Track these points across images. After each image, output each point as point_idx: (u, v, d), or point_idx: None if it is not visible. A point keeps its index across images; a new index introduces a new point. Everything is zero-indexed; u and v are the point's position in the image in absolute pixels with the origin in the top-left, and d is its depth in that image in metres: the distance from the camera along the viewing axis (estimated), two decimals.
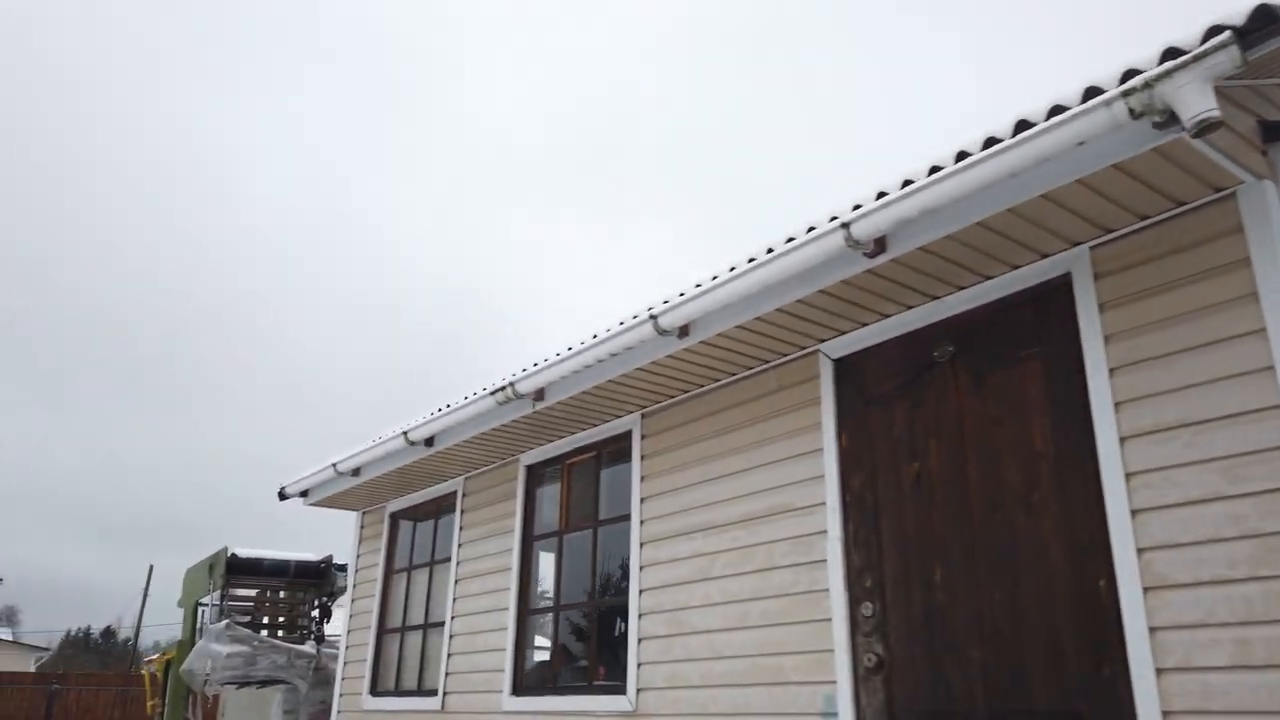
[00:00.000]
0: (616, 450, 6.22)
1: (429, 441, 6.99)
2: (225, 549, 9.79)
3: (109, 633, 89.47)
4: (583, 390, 5.64)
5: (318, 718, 10.26)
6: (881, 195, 3.76)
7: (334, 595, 10.59)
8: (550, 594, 6.63)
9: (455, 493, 7.74)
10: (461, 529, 7.54)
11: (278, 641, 9.85)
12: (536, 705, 6.16)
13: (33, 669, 40.88)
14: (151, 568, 43.99)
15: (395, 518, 8.66)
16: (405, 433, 6.92)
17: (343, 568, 10.54)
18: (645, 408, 5.94)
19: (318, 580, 10.46)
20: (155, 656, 10.27)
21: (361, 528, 9.18)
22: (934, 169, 3.60)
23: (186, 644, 9.93)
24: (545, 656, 6.54)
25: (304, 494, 8.94)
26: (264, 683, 9.76)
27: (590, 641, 6.11)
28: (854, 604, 4.34)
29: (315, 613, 10.50)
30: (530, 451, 6.96)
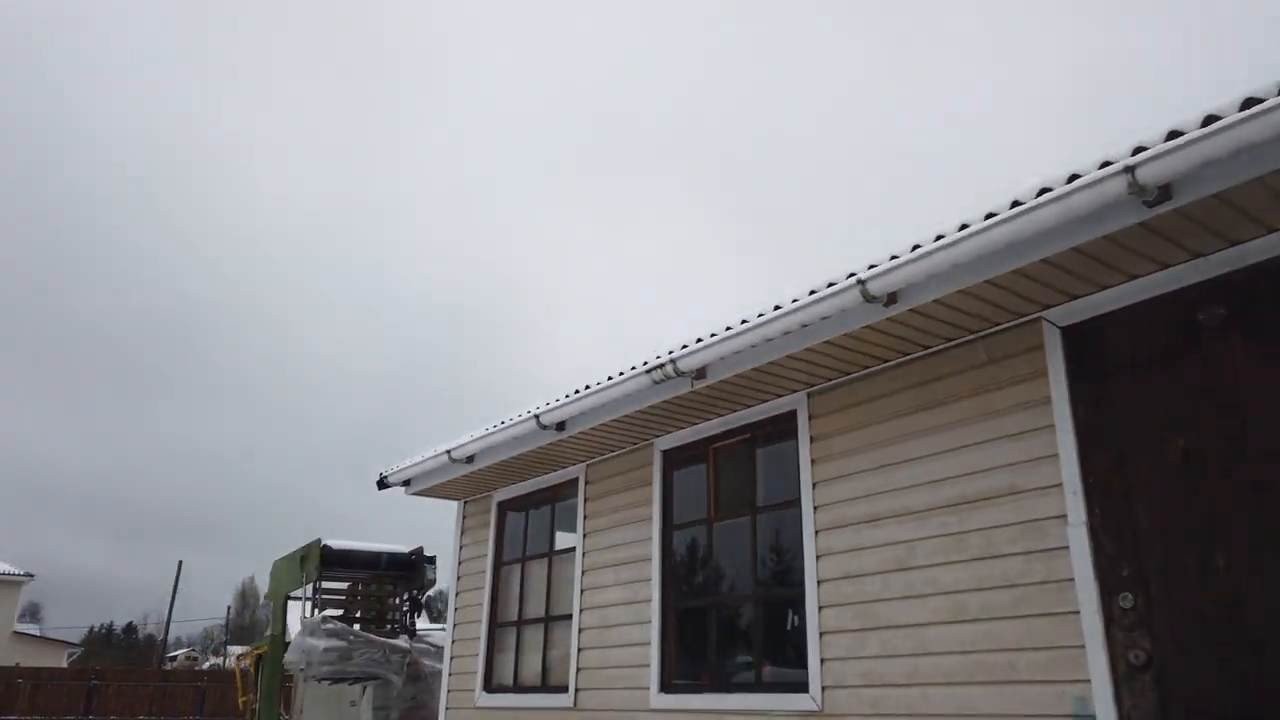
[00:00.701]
0: (775, 431, 5.82)
1: (560, 426, 6.62)
2: (318, 540, 9.48)
3: (130, 629, 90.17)
4: (751, 368, 5.24)
5: (409, 714, 9.96)
6: (1174, 135, 3.33)
7: (423, 589, 10.27)
8: (691, 585, 6.25)
9: (576, 480, 7.38)
10: (586, 518, 7.17)
11: (373, 636, 9.54)
12: (694, 703, 5.78)
13: (65, 664, 41.15)
14: (180, 564, 44.12)
15: (503, 507, 8.31)
16: (537, 416, 6.55)
17: (432, 560, 10.22)
18: (812, 386, 5.54)
19: (408, 573, 10.14)
20: (246, 650, 9.98)
21: (463, 518, 8.83)
22: (1248, 101, 3.17)
23: (278, 638, 9.64)
24: (695, 651, 6.15)
25: (406, 483, 8.61)
26: (359, 678, 9.46)
27: (754, 636, 5.72)
28: (1108, 595, 3.92)
29: (405, 606, 10.19)
30: (666, 436, 6.57)
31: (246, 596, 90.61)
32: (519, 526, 8.19)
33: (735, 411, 6.02)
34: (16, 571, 43.70)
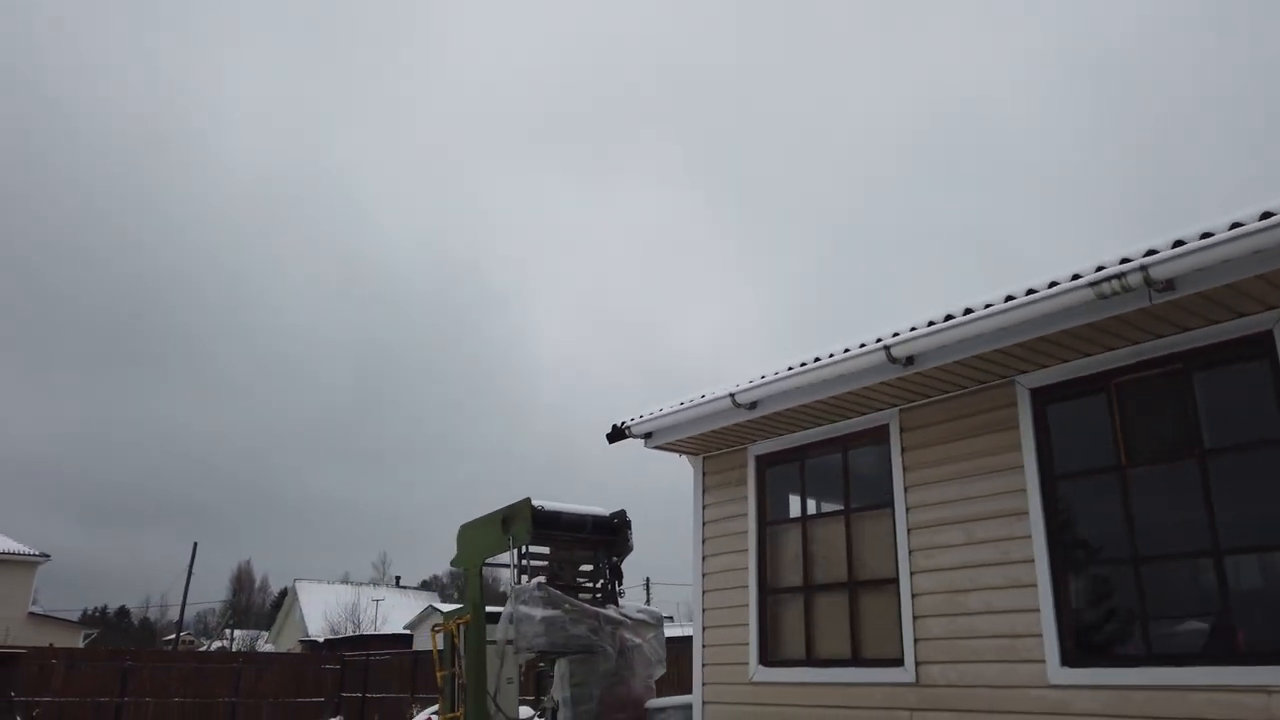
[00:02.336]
0: (1230, 357, 5.01)
1: (909, 360, 5.78)
2: (527, 500, 8.62)
3: (123, 612, 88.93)
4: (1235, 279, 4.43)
5: (610, 691, 9.14)
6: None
7: (623, 555, 9.43)
8: (1096, 542, 5.43)
9: (884, 428, 6.55)
10: (907, 469, 6.35)
11: (586, 606, 8.70)
12: (1117, 678, 4.98)
13: (82, 645, 40.44)
14: (196, 545, 43.04)
15: (764, 462, 7.47)
16: (887, 347, 5.71)
17: (630, 525, 9.38)
18: None
19: (610, 538, 9.31)
20: (441, 622, 9.13)
21: (703, 476, 8.00)
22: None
23: (480, 606, 8.79)
24: (1112, 619, 5.34)
25: (648, 435, 7.77)
26: (575, 652, 8.62)
27: (1224, 597, 4.87)
28: None
29: (606, 574, 9.35)
30: (1036, 373, 5.75)
31: (243, 579, 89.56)
32: (788, 482, 7.36)
33: (1165, 336, 5.17)
34: (32, 552, 42.78)
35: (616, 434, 7.98)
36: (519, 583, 8.54)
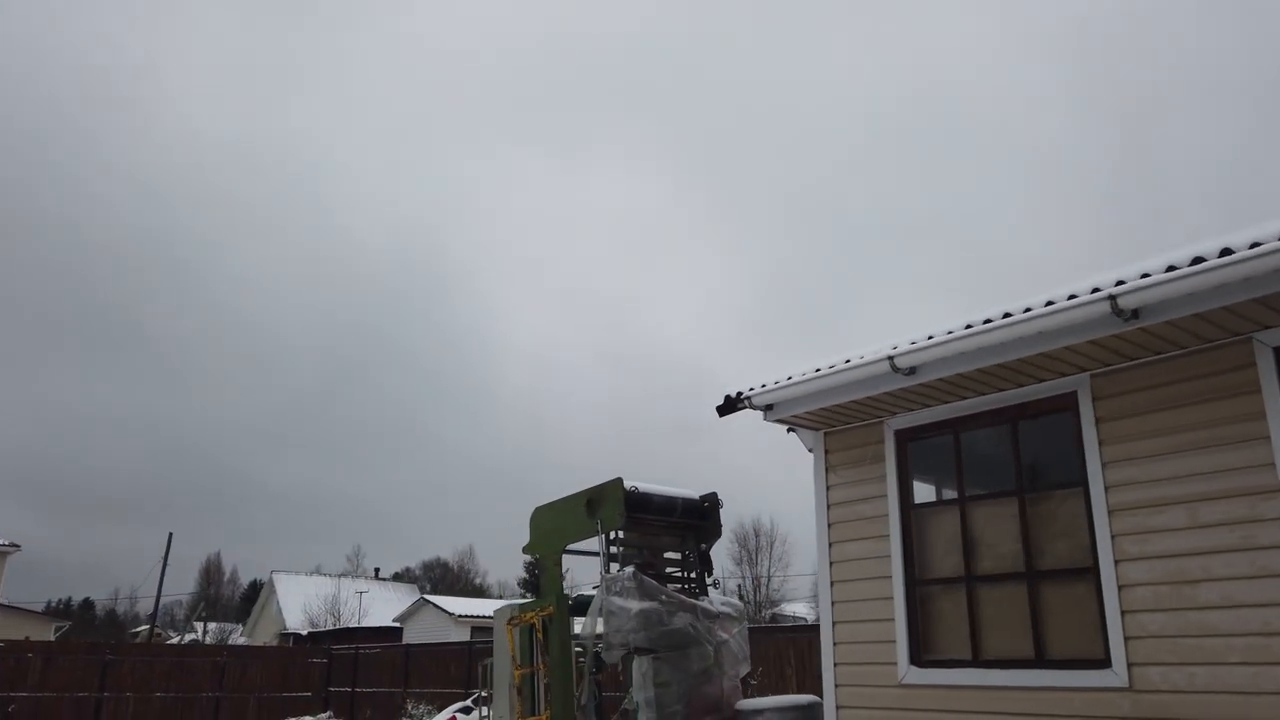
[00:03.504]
0: None
1: (1134, 314, 4.95)
2: (618, 480, 7.73)
3: (88, 604, 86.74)
4: None
5: (699, 690, 8.29)
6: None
7: (712, 541, 8.58)
8: None
9: (1072, 396, 5.72)
10: (1103, 443, 5.52)
11: (683, 597, 7.83)
12: None
13: (52, 637, 39.15)
14: (171, 535, 41.56)
15: (904, 437, 6.64)
16: (1112, 298, 4.87)
17: (721, 507, 8.52)
18: None
19: (700, 523, 8.44)
20: (516, 613, 8.20)
21: (826, 454, 7.15)
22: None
23: (561, 598, 7.89)
24: None
25: (768, 407, 6.90)
26: (673, 648, 7.76)
27: None
28: None
29: (693, 562, 8.48)
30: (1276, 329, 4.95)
31: (212, 571, 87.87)
32: (937, 460, 6.53)
33: None
34: (2, 541, 41.21)
35: (729, 405, 7.11)
36: (608, 571, 7.66)
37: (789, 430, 7.58)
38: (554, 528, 8.22)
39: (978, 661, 5.91)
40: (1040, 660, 5.61)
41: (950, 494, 6.37)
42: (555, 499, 8.38)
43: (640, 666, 8.53)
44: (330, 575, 61.42)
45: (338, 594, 54.27)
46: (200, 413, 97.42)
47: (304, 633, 44.84)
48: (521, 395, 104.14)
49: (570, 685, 7.77)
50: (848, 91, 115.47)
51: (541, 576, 8.23)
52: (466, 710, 15.37)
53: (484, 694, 14.01)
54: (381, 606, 53.55)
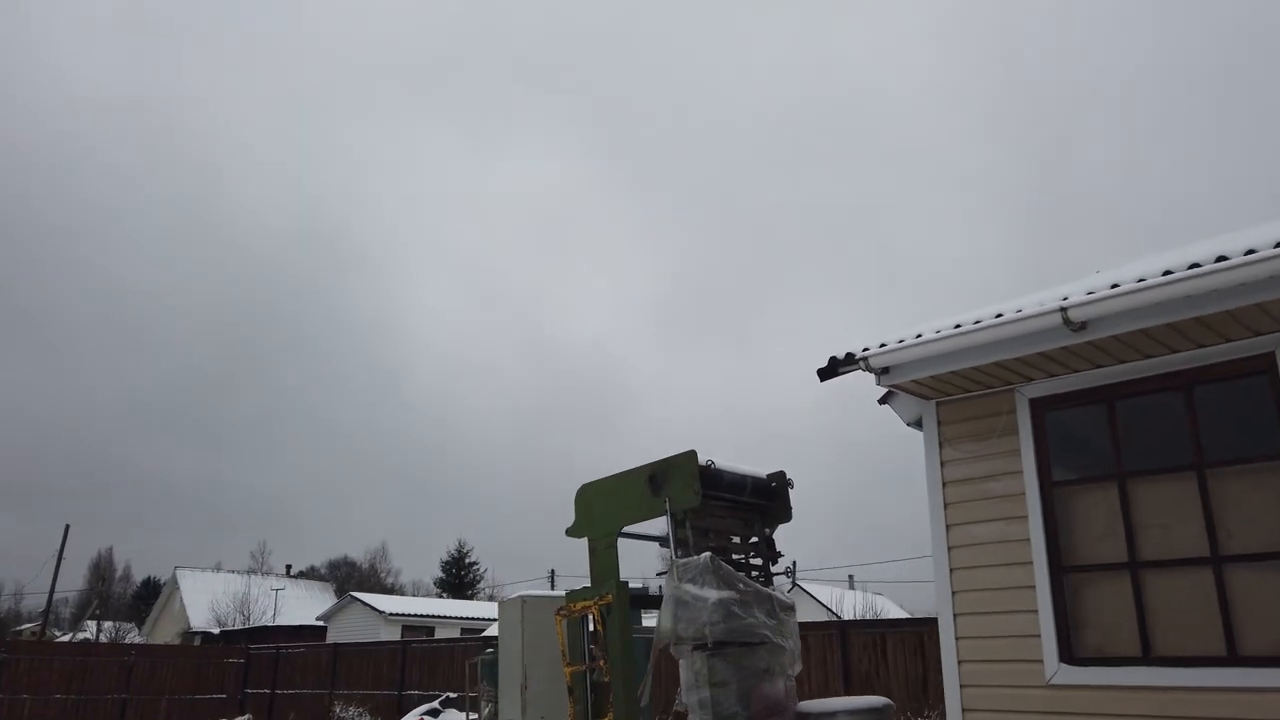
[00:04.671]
0: None
1: None
2: (692, 453, 6.79)
3: None
4: None
5: (759, 690, 7.43)
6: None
7: (777, 525, 7.71)
8: None
9: (1269, 357, 5.05)
10: None
11: (759, 586, 6.95)
12: None
13: None
14: (68, 527, 38.81)
15: (1043, 406, 5.89)
16: None
17: (791, 486, 7.66)
18: None
19: (768, 504, 7.56)
20: (567, 605, 7.19)
21: (940, 425, 6.36)
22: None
23: (621, 587, 6.91)
24: None
25: (884, 370, 6.08)
26: (753, 644, 6.87)
27: None
28: None
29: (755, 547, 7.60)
30: None
31: (104, 568, 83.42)
32: (1084, 431, 5.80)
33: None
34: None
35: (833, 368, 6.27)
36: (680, 556, 6.73)
37: (882, 401, 6.79)
38: (607, 508, 7.24)
39: (1150, 659, 5.18)
40: (1234, 658, 4.91)
41: (1100, 470, 5.63)
42: (605, 475, 7.41)
43: (694, 664, 7.61)
44: (238, 572, 58.63)
45: (248, 591, 51.76)
46: (81, 397, 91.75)
47: (215, 631, 42.45)
48: (429, 385, 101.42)
49: (633, 685, 6.82)
50: (771, 85, 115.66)
51: (592, 563, 7.23)
52: (434, 713, 14.19)
53: (471, 695, 12.91)
54: (295, 605, 51.25)
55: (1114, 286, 4.99)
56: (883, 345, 5.96)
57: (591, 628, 7.10)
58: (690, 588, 6.53)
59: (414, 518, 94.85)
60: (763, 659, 7.44)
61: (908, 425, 6.79)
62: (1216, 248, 4.73)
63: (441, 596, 59.17)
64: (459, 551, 66.12)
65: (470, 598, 59.41)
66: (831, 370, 6.30)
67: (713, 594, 6.49)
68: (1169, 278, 4.77)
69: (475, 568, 66.31)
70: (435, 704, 14.52)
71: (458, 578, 64.79)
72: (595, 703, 6.84)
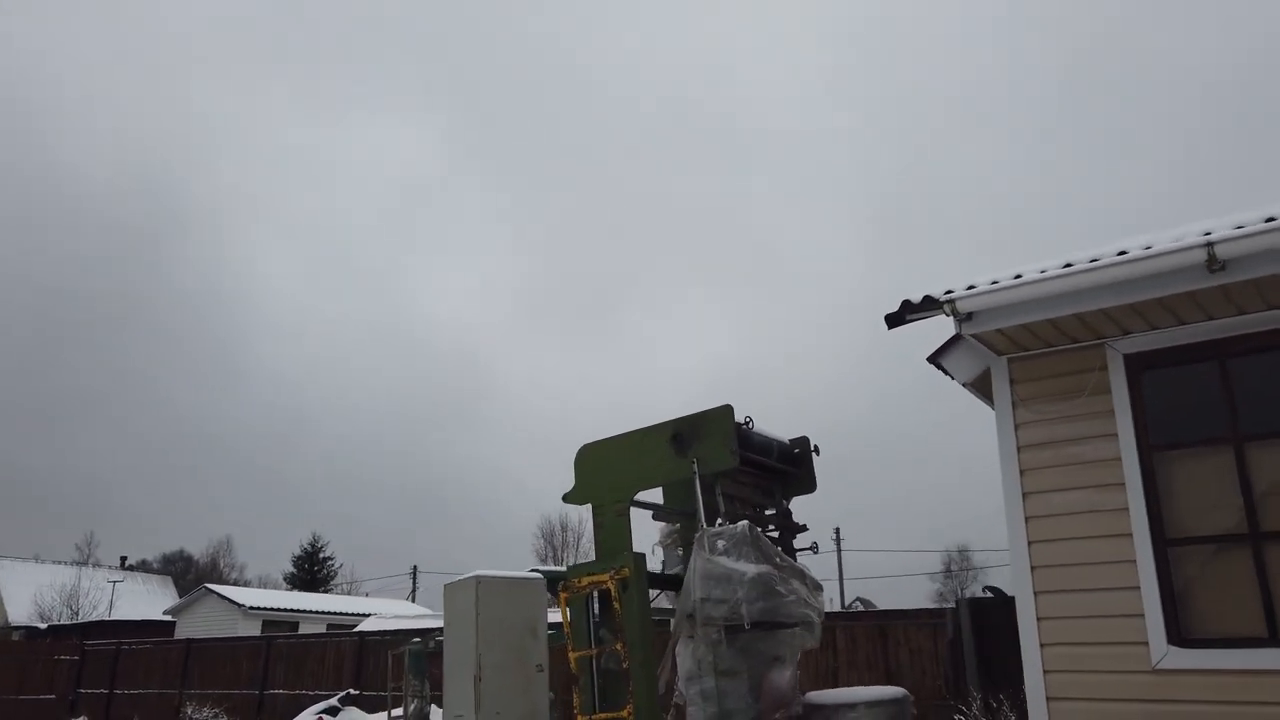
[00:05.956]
0: None
1: None
2: (728, 408, 5.92)
3: None
4: None
5: (770, 681, 6.66)
6: None
7: (802, 494, 6.94)
8: None
9: None
10: None
11: (794, 562, 6.15)
12: None
13: None
14: None
15: (1141, 362, 5.33)
16: None
17: (817, 453, 6.91)
18: None
19: (793, 471, 6.77)
20: (574, 580, 6.17)
21: (1012, 383, 5.73)
22: None
23: (638, 560, 5.96)
24: None
25: (968, 317, 5.39)
26: (790, 625, 6.06)
27: None
28: None
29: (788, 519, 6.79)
30: None
31: None
32: (1189, 391, 5.26)
33: None
34: None
35: (904, 313, 5.55)
36: (713, 526, 5.86)
37: (934, 358, 6.12)
38: (618, 470, 6.30)
39: (1278, 640, 4.65)
40: None
41: (1211, 433, 5.10)
42: (613, 434, 6.46)
43: (697, 650, 6.75)
44: (65, 564, 53.92)
45: (78, 584, 47.59)
46: None
47: (41, 626, 38.64)
48: (276, 366, 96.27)
49: (653, 671, 5.90)
50: (642, 72, 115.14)
51: (598, 533, 6.28)
52: (333, 711, 12.77)
53: (394, 690, 11.61)
54: (133, 600, 47.46)
55: (1269, 220, 4.45)
56: (971, 287, 5.27)
57: (597, 608, 6.15)
58: (725, 560, 5.69)
59: (260, 510, 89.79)
60: (778, 644, 6.65)
61: (963, 385, 6.14)
62: None
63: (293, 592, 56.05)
64: (313, 546, 62.89)
65: (325, 594, 56.57)
66: (900, 317, 5.58)
67: (751, 568, 5.67)
68: None
69: (330, 563, 63.22)
70: (334, 701, 13.11)
71: (311, 574, 61.57)
72: (605, 692, 5.87)
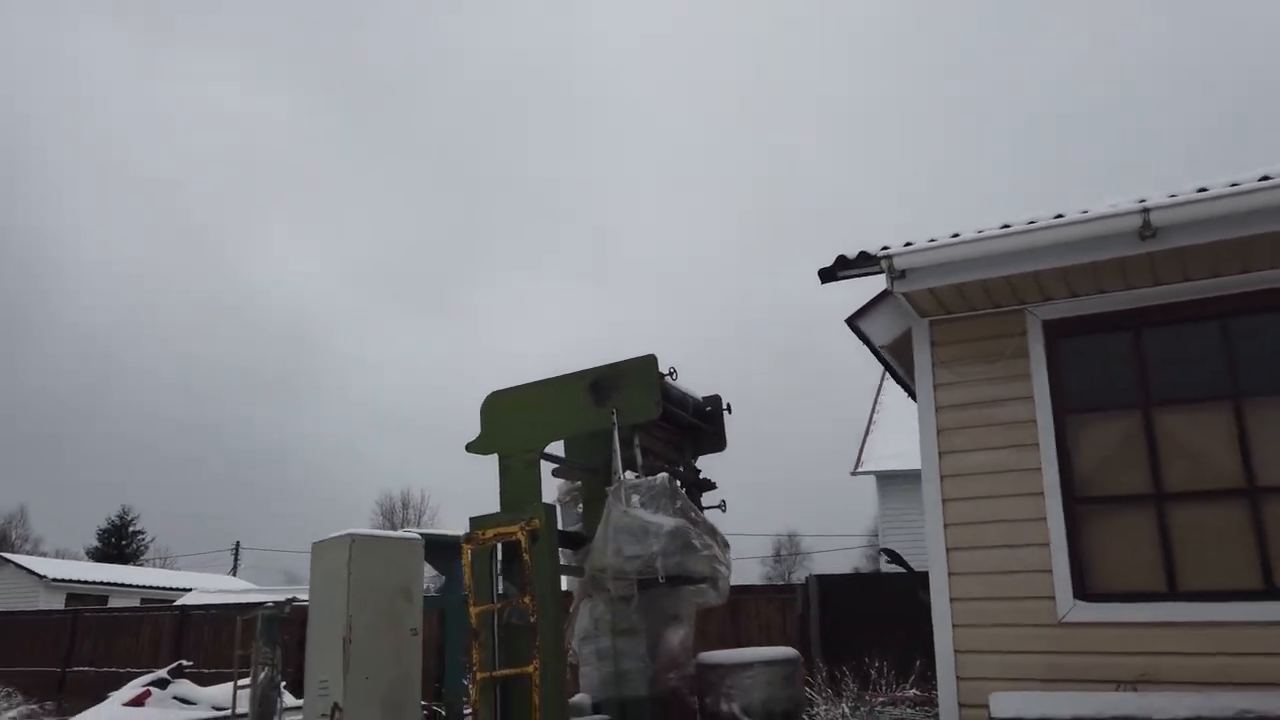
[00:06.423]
0: None
1: None
2: (652, 358, 5.71)
3: None
4: None
5: (666, 640, 6.57)
6: None
7: (711, 452, 6.81)
8: None
9: None
10: None
11: (707, 518, 6.02)
12: None
13: None
14: None
15: (1059, 329, 5.50)
16: None
17: (729, 411, 6.82)
18: None
19: (704, 428, 6.62)
20: (480, 530, 5.81)
21: (933, 345, 5.81)
22: None
23: (548, 511, 5.66)
24: None
25: (900, 274, 5.41)
26: (699, 582, 5.94)
27: None
28: None
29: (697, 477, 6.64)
30: None
31: None
32: (1103, 358, 5.45)
33: None
34: None
35: (838, 268, 5.52)
36: (629, 478, 5.67)
37: (853, 319, 6.14)
38: (530, 419, 6.01)
39: (1177, 594, 4.89)
40: (1270, 591, 4.71)
41: (1122, 398, 5.31)
42: (524, 383, 6.16)
43: (594, 608, 6.59)
44: None
45: None
46: None
47: None
48: (89, 325, 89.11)
49: (560, 626, 5.66)
50: (499, 52, 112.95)
51: (504, 483, 5.96)
52: (162, 683, 11.82)
53: (242, 657, 10.82)
54: None
55: (1201, 190, 4.64)
56: (908, 244, 5.29)
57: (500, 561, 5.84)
58: (642, 513, 5.51)
59: (60, 481, 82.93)
60: (679, 602, 6.55)
61: (879, 349, 6.19)
62: None
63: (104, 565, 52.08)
64: (121, 518, 58.79)
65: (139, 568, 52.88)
66: (834, 272, 5.55)
67: (669, 521, 5.52)
68: (1270, 183, 4.47)
69: (141, 537, 59.24)
70: (163, 673, 12.12)
71: (119, 548, 57.48)
72: (507, 648, 5.58)
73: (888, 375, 23.57)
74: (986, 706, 4.79)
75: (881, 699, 11.52)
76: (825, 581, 16.01)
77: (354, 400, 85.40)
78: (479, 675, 5.52)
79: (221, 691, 11.77)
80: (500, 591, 5.74)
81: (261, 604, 10.63)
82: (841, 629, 14.26)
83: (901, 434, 20.66)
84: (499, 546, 5.73)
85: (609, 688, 6.45)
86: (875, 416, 22.22)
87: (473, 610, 5.65)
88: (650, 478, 5.62)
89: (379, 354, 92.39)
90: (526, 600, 5.45)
